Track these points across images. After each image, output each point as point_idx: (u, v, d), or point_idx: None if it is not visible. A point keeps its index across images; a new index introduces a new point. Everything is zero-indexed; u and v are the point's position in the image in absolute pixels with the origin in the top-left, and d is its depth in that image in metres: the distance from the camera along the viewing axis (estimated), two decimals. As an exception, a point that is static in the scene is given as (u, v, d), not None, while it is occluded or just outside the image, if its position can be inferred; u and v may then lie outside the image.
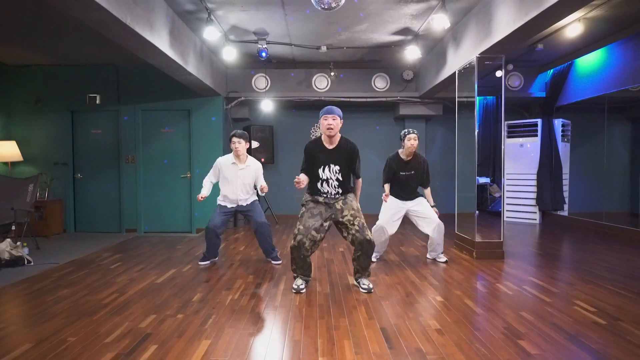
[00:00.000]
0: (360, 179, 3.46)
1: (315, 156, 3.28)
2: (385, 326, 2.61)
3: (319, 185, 3.30)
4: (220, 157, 4.31)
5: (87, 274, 3.91)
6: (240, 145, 4.12)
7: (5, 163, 6.17)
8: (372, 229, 4.21)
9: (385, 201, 4.25)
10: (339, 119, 3.22)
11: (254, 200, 4.34)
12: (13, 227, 4.97)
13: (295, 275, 3.41)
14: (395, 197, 4.27)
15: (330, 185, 3.28)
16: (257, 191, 4.32)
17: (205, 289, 3.41)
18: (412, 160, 4.19)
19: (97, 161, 6.56)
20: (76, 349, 2.31)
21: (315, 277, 3.76)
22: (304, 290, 3.33)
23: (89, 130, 6.57)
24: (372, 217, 4.49)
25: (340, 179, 3.29)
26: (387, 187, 4.28)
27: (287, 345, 2.36)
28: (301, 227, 3.24)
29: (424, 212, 4.21)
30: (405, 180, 4.20)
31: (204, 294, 3.29)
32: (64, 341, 2.41)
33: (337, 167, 3.26)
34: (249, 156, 4.27)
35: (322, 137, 3.31)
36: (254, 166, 4.24)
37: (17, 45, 5.50)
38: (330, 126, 3.18)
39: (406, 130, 4.17)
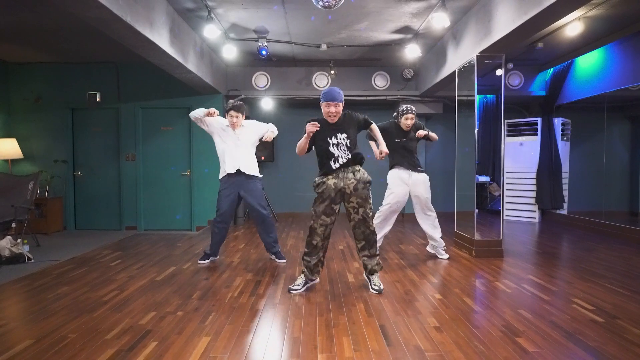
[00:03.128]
0: (373, 124, 3.35)
1: (321, 131, 3.17)
2: (384, 323, 2.63)
3: (330, 149, 3.18)
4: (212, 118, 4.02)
5: (88, 272, 3.93)
6: (238, 119, 3.95)
7: (6, 160, 6.18)
8: (377, 213, 4.20)
9: (381, 157, 3.95)
10: (341, 105, 3.15)
11: (255, 181, 4.10)
12: (13, 225, 4.99)
13: (302, 270, 3.32)
14: (400, 166, 4.18)
15: (340, 149, 3.19)
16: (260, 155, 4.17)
17: (205, 287, 3.42)
18: (410, 130, 4.18)
19: (97, 159, 6.57)
20: (76, 345, 2.32)
21: (315, 274, 3.77)
22: (298, 292, 3.25)
23: (89, 128, 6.58)
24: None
25: (349, 144, 3.20)
26: (373, 145, 4.17)
27: (287, 342, 2.37)
28: (313, 213, 3.26)
29: (422, 199, 4.21)
30: (403, 145, 4.16)
31: (203, 291, 3.30)
32: (65, 338, 2.42)
33: (344, 135, 3.18)
34: (244, 120, 4.06)
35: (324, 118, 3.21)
36: (251, 126, 4.06)
37: (17, 43, 5.51)
38: (332, 114, 3.13)
39: (404, 107, 4.08)
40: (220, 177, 4.13)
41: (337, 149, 3.20)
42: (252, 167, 4.10)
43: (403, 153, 4.19)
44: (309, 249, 3.29)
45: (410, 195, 4.26)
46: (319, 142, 3.24)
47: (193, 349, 2.27)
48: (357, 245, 3.33)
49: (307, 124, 3.13)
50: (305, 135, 3.17)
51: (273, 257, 4.29)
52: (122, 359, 2.16)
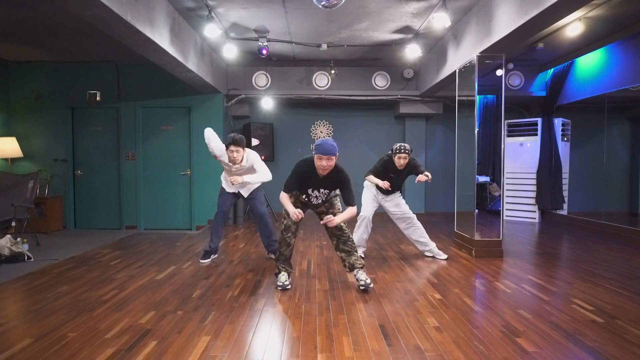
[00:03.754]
0: (354, 207, 3.21)
1: (305, 179, 3.23)
2: (383, 323, 2.63)
3: (307, 193, 3.32)
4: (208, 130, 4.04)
5: (87, 271, 3.92)
6: (239, 154, 3.92)
7: (6, 159, 6.17)
8: (358, 218, 4.30)
9: (388, 188, 4.09)
10: (334, 159, 3.07)
11: (258, 187, 4.28)
12: (13, 224, 4.98)
13: (278, 269, 3.41)
14: (379, 190, 4.28)
15: (316, 199, 3.34)
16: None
17: (205, 286, 3.42)
18: (404, 168, 4.17)
19: (97, 158, 6.56)
20: (76, 344, 2.32)
21: (315, 274, 3.77)
22: (289, 287, 3.34)
23: (89, 127, 6.58)
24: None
25: (326, 197, 3.36)
26: (372, 177, 4.15)
27: (286, 341, 2.37)
28: (285, 212, 3.35)
29: (398, 210, 4.29)
30: (393, 179, 4.18)
31: (203, 290, 3.30)
32: (64, 337, 2.42)
33: (326, 191, 3.30)
34: (247, 152, 4.07)
35: (316, 168, 3.17)
36: (249, 162, 4.05)
37: (17, 42, 5.50)
38: (325, 167, 3.07)
39: (398, 146, 4.05)
40: (222, 183, 4.26)
41: (316, 199, 3.34)
42: (252, 187, 4.21)
43: (390, 184, 4.19)
44: (285, 247, 3.39)
45: (387, 212, 4.39)
46: (299, 186, 3.27)
47: (193, 349, 2.27)
48: (332, 243, 3.44)
49: (293, 214, 3.14)
50: (289, 213, 3.20)
51: (271, 255, 4.30)
52: (122, 358, 2.16)
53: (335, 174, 3.18)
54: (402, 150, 4.03)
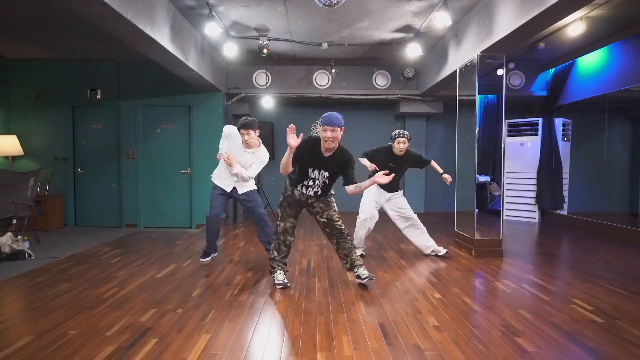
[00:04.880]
0: (354, 171, 3.28)
1: (308, 156, 3.18)
2: (383, 322, 2.63)
3: (304, 178, 3.24)
4: (230, 126, 3.99)
5: (88, 269, 3.93)
6: (250, 136, 3.75)
7: (6, 157, 6.17)
8: (356, 221, 4.31)
9: (374, 169, 3.97)
10: (339, 130, 3.04)
11: (253, 190, 4.10)
12: (14, 221, 4.99)
13: (273, 268, 3.45)
14: (380, 187, 4.21)
15: (314, 184, 3.25)
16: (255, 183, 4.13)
17: (205, 285, 3.43)
18: (403, 156, 4.18)
19: (98, 156, 6.56)
20: (77, 342, 2.32)
21: (315, 273, 3.78)
22: (290, 284, 3.37)
23: (90, 125, 6.57)
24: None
25: (327, 182, 3.27)
26: (365, 160, 4.11)
27: (286, 340, 2.38)
28: (281, 214, 3.42)
29: (399, 210, 4.30)
30: (393, 170, 4.15)
31: (203, 289, 3.31)
32: (65, 334, 2.42)
33: (327, 174, 3.21)
34: (262, 145, 3.92)
35: (321, 143, 3.14)
36: (262, 158, 3.92)
37: (18, 40, 5.50)
38: (329, 139, 3.03)
39: (397, 132, 4.09)
40: (214, 180, 4.08)
41: (313, 183, 3.27)
42: (245, 187, 4.03)
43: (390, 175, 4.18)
44: (284, 248, 3.43)
45: (386, 211, 4.38)
46: (301, 162, 3.21)
47: (193, 347, 2.27)
48: (332, 243, 3.46)
49: (288, 136, 2.94)
50: (288, 150, 3.01)
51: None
52: (122, 356, 2.17)
53: (340, 153, 3.18)
54: (401, 135, 4.06)
